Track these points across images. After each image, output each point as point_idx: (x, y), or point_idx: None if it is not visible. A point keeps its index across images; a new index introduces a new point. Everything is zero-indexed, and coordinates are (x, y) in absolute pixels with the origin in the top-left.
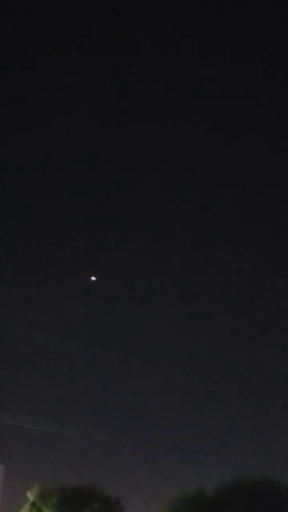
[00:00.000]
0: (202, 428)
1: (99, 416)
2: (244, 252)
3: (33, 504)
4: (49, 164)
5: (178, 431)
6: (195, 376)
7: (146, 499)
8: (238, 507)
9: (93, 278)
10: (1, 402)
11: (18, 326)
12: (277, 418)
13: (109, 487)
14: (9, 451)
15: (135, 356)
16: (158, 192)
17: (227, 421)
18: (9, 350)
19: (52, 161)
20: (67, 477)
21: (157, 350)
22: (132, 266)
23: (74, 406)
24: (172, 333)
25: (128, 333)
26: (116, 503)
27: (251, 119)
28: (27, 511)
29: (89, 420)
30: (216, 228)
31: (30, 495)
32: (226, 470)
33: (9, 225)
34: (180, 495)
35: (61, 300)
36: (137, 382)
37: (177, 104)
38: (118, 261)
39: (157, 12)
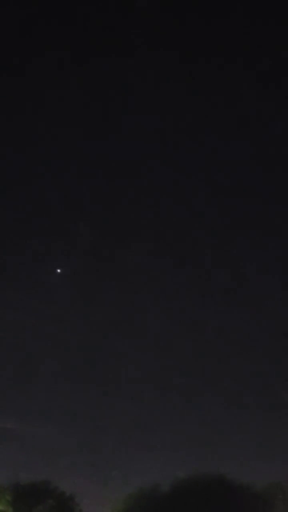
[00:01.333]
0: (158, 426)
1: (54, 413)
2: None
3: None
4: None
5: (134, 427)
6: (151, 373)
7: (101, 496)
8: (192, 503)
9: (58, 271)
10: None
11: None
12: (232, 416)
13: (63, 484)
14: None
15: (92, 353)
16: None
17: (183, 419)
18: None
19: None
20: (22, 473)
21: (116, 348)
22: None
23: (29, 402)
24: (131, 332)
25: (89, 328)
26: (70, 499)
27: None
28: None
29: (43, 417)
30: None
31: None
32: (182, 467)
33: None
34: (135, 491)
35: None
36: (93, 378)
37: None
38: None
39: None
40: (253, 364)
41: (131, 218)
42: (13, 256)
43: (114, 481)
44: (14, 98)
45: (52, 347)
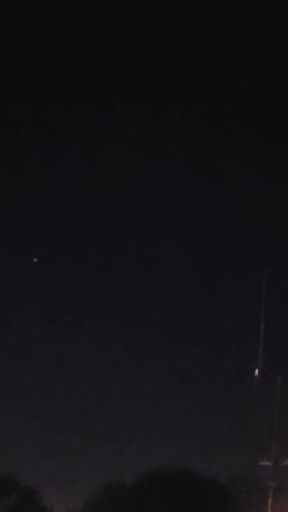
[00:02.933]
0: (122, 418)
1: (14, 403)
2: None
3: None
4: None
5: (98, 420)
6: (115, 366)
7: (65, 489)
8: (157, 497)
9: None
10: None
11: None
12: (196, 407)
13: (26, 477)
14: None
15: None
16: None
17: (146, 411)
18: None
19: None
20: None
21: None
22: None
23: None
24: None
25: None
26: (34, 492)
27: None
28: None
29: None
30: None
31: None
32: (146, 461)
33: None
34: (99, 485)
35: None
36: (51, 368)
37: None
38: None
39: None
40: (217, 352)
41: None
42: None
43: (78, 474)
44: None
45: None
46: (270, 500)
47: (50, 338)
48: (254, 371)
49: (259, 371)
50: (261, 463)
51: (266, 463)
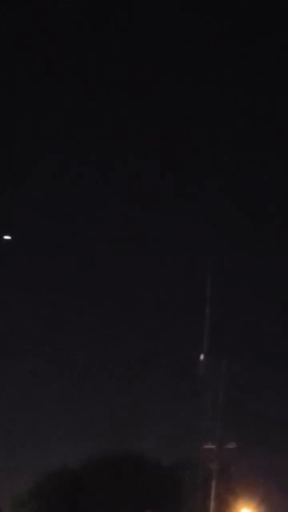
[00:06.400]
0: (63, 405)
1: None
2: None
3: None
4: None
5: (37, 407)
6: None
7: (7, 477)
8: (101, 481)
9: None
10: None
11: None
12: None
13: None
14: None
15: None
16: None
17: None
18: None
19: None
20: None
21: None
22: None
23: None
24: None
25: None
26: None
27: None
28: None
29: None
30: None
31: None
32: (90, 446)
33: None
34: (43, 471)
35: None
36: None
37: None
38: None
39: None
40: (161, 336)
41: None
42: None
43: (21, 461)
44: None
45: None
46: (213, 483)
47: None
48: (198, 355)
49: (203, 355)
50: (205, 447)
51: (210, 446)
